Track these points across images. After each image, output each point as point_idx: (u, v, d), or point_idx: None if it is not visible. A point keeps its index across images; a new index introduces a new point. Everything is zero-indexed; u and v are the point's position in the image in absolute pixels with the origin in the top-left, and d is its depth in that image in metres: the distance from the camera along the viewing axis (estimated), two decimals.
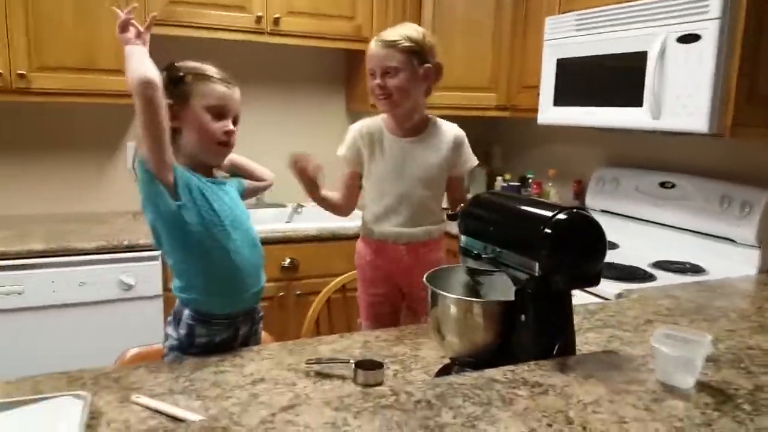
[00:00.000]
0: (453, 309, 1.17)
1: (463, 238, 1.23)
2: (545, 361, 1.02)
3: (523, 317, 1.08)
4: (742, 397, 0.93)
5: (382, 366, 1.28)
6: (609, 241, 2.51)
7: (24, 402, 1.08)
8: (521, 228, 1.09)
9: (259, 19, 2.79)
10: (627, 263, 2.23)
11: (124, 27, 1.40)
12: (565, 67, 2.52)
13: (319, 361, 1.32)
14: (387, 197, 1.76)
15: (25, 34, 2.44)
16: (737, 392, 0.95)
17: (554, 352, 1.05)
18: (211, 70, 1.43)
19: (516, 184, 3.21)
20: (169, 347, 1.43)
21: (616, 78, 2.29)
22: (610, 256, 2.34)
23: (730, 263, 2.17)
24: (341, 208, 1.84)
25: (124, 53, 1.38)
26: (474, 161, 1.85)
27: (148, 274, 2.42)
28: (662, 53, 2.08)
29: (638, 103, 2.16)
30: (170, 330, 1.44)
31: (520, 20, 2.94)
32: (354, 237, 2.62)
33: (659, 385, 0.95)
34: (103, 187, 2.97)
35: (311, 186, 1.72)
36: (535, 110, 2.66)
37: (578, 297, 2.00)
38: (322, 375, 1.28)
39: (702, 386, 0.96)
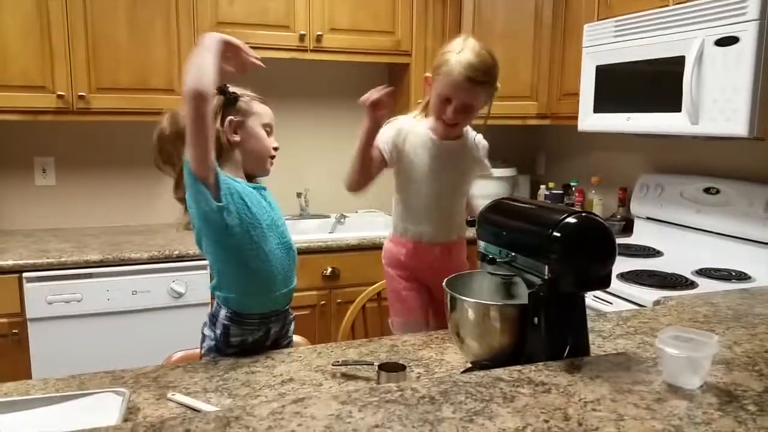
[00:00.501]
0: (470, 313, 1.20)
1: (480, 243, 1.27)
2: (554, 362, 1.04)
3: (536, 320, 1.10)
4: (749, 398, 0.93)
5: (405, 368, 1.31)
6: (653, 249, 2.52)
7: (70, 396, 1.18)
8: (532, 232, 1.12)
9: (302, 37, 2.90)
10: (670, 270, 2.20)
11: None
12: (604, 73, 2.51)
13: (345, 363, 1.37)
14: (425, 197, 1.80)
15: (85, 55, 2.61)
16: (744, 394, 0.94)
17: (565, 354, 1.06)
18: (255, 93, 1.56)
19: (559, 192, 3.19)
20: (207, 348, 1.51)
21: (655, 83, 2.27)
22: (653, 264, 2.33)
23: None
24: (365, 178, 1.80)
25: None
26: (490, 170, 1.99)
27: (196, 283, 2.54)
28: (700, 57, 2.05)
29: (677, 108, 2.14)
30: (207, 330, 1.52)
31: (558, 29, 2.94)
32: None
33: (665, 385, 0.95)
34: (156, 201, 3.13)
35: (374, 129, 1.69)
36: (576, 118, 2.65)
37: (615, 304, 2.00)
38: (347, 376, 1.33)
39: (709, 387, 0.96)
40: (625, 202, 2.90)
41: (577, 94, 2.64)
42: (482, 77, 1.66)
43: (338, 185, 3.29)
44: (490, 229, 1.25)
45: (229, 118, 1.49)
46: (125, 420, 1.10)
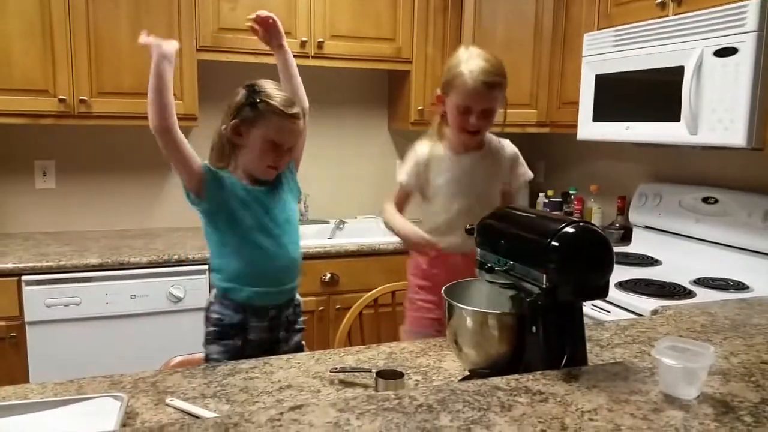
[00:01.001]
0: (468, 321, 1.21)
1: (478, 251, 1.27)
2: (552, 371, 1.04)
3: (533, 329, 1.10)
4: (745, 409, 0.93)
5: (403, 376, 1.31)
6: (651, 258, 2.53)
7: (68, 401, 1.18)
8: (530, 241, 1.12)
9: (303, 44, 2.91)
10: (668, 280, 2.20)
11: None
12: (603, 82, 2.52)
13: (343, 370, 1.38)
14: (448, 212, 1.82)
15: (87, 60, 2.62)
16: (741, 404, 0.95)
17: (563, 363, 1.07)
18: (282, 101, 1.53)
19: (558, 200, 3.20)
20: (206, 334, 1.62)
21: (654, 93, 2.28)
22: (651, 273, 2.33)
23: None
24: None
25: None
26: (530, 174, 1.96)
27: (196, 287, 2.54)
28: (699, 67, 2.06)
29: (675, 118, 2.15)
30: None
31: (558, 38, 2.96)
32: (392, 252, 2.71)
33: (662, 396, 0.95)
34: (156, 205, 3.13)
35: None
36: (575, 126, 2.66)
37: (613, 313, 2.00)
38: (345, 383, 1.33)
39: (706, 398, 0.96)
40: (623, 211, 2.90)
41: (576, 103, 2.65)
42: (497, 79, 1.71)
43: (338, 191, 3.33)
44: (489, 237, 1.26)
45: (235, 120, 1.52)
46: (123, 425, 1.11)
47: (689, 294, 2.05)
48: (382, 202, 1.92)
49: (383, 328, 2.09)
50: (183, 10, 2.71)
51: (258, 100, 1.51)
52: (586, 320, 1.17)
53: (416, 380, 1.34)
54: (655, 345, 1.00)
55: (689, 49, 2.09)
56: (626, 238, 2.84)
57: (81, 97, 2.61)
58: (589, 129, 2.60)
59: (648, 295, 2.03)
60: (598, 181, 3.07)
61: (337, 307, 2.73)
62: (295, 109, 1.54)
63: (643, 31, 2.30)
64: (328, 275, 2.74)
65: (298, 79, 1.73)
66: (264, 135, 1.52)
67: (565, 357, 1.07)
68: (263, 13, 1.68)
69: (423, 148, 1.85)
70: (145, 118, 2.71)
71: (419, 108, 3.11)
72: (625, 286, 2.11)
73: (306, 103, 1.73)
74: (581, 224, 1.08)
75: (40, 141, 2.92)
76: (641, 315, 1.88)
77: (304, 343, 1.73)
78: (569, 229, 1.06)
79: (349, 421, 0.86)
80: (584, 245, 1.07)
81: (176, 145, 1.49)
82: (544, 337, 1.08)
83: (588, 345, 1.18)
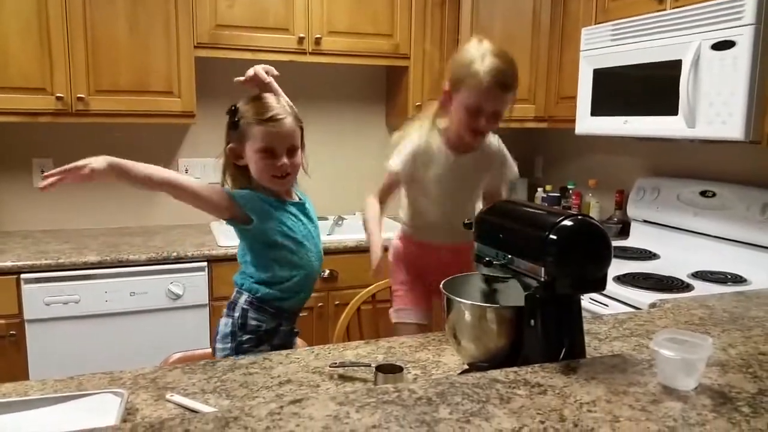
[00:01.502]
0: (467, 315, 1.21)
1: (476, 245, 1.27)
2: (550, 363, 1.04)
3: (532, 322, 1.11)
4: (743, 400, 0.93)
5: (402, 370, 1.32)
6: (649, 251, 2.53)
7: (68, 397, 1.18)
8: (528, 234, 1.13)
9: (301, 40, 2.91)
10: (666, 273, 2.21)
11: None
12: (601, 77, 2.52)
13: (342, 365, 1.38)
14: (436, 213, 1.82)
15: (85, 58, 2.62)
16: (738, 395, 0.95)
17: (561, 356, 1.07)
18: (257, 110, 1.53)
19: (556, 194, 3.21)
20: (222, 335, 1.59)
21: (652, 87, 2.28)
22: (649, 267, 2.34)
23: None
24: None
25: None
26: (516, 173, 1.92)
27: (195, 284, 2.54)
28: (696, 61, 2.07)
29: (673, 111, 2.15)
30: (223, 319, 1.61)
31: (556, 33, 2.96)
32: None
33: (660, 387, 0.96)
34: (155, 202, 3.13)
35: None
36: (573, 121, 2.66)
37: (611, 307, 2.01)
38: (344, 378, 1.33)
39: (704, 389, 0.97)
40: (621, 205, 2.91)
41: (574, 98, 2.66)
42: (512, 81, 1.65)
43: (336, 187, 3.33)
44: (487, 231, 1.26)
45: (229, 146, 1.57)
46: (124, 421, 1.11)
47: (687, 287, 2.06)
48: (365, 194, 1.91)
49: (381, 323, 2.09)
50: (180, 7, 2.70)
51: (237, 119, 1.54)
52: (584, 314, 1.17)
53: (415, 374, 1.35)
54: (654, 337, 1.00)
55: (687, 43, 2.10)
56: (624, 232, 2.85)
57: (78, 95, 2.61)
58: (587, 123, 2.60)
59: (646, 288, 2.03)
60: (596, 176, 3.07)
61: (336, 303, 2.74)
62: (270, 113, 1.52)
63: (641, 25, 2.30)
64: (327, 271, 2.74)
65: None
66: (254, 147, 1.53)
67: (564, 350, 1.07)
68: (261, 73, 1.60)
69: (421, 138, 1.77)
70: (143, 115, 2.74)
71: (417, 104, 3.10)
72: (624, 279, 2.12)
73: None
74: (579, 217, 1.08)
75: (37, 139, 2.92)
76: (639, 308, 1.89)
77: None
78: (567, 223, 1.06)
79: (349, 414, 0.86)
80: (582, 238, 1.07)
81: (190, 197, 1.55)
82: (543, 330, 1.09)
83: (586, 338, 1.19)
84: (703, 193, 2.45)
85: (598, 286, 1.09)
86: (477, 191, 1.87)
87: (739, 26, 1.94)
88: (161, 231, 2.98)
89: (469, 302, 1.22)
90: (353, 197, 3.41)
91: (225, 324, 1.60)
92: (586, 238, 1.07)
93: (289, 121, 1.54)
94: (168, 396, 1.23)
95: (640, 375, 1.01)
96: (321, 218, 3.16)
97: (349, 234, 2.92)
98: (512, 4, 3.05)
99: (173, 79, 2.74)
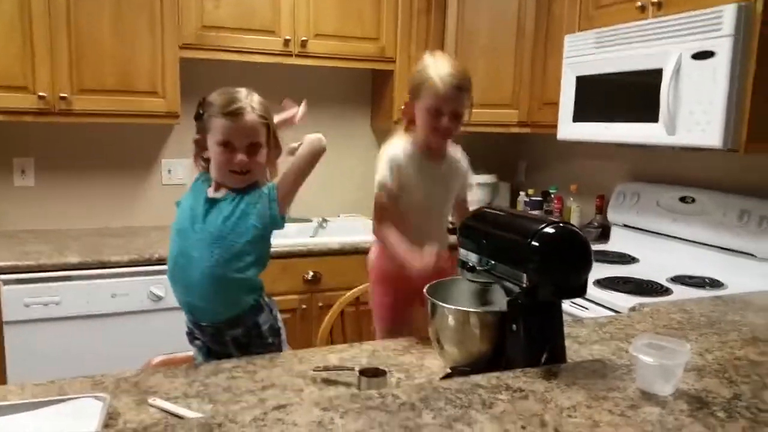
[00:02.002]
0: (450, 319, 1.22)
1: (461, 250, 1.29)
2: (532, 368, 1.06)
3: (514, 327, 1.12)
4: (718, 404, 0.96)
5: (386, 374, 1.33)
6: (629, 256, 2.57)
7: (49, 402, 1.17)
8: (511, 241, 1.14)
9: (287, 42, 2.91)
10: (645, 278, 2.24)
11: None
12: (584, 83, 2.55)
13: (326, 369, 1.39)
14: (415, 220, 1.82)
15: (68, 56, 2.59)
16: (714, 400, 0.98)
17: (542, 361, 1.09)
18: (222, 102, 1.51)
19: (538, 199, 3.24)
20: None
21: (633, 94, 2.32)
22: (629, 271, 2.37)
23: (749, 278, 2.16)
24: None
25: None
26: (473, 182, 2.00)
27: None
28: (677, 70, 2.10)
29: (654, 119, 2.18)
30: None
31: (540, 40, 2.98)
32: None
33: (639, 392, 0.98)
34: (137, 203, 3.11)
35: None
36: (556, 126, 2.69)
37: (591, 310, 2.03)
38: (328, 382, 1.34)
39: (681, 394, 0.99)
40: (602, 210, 2.94)
41: (557, 104, 2.68)
42: (466, 83, 1.75)
43: (321, 190, 3.33)
44: (471, 237, 1.27)
45: (195, 137, 1.58)
46: (106, 426, 1.10)
47: (666, 291, 2.09)
48: (364, 200, 1.93)
49: (365, 326, 2.10)
50: (165, 7, 2.69)
51: (201, 112, 1.55)
52: (565, 317, 1.19)
53: (399, 378, 1.36)
54: (633, 342, 1.02)
55: (668, 52, 2.13)
56: (604, 236, 2.88)
57: (62, 94, 2.58)
58: (569, 129, 2.63)
59: (626, 292, 2.06)
60: (577, 181, 3.10)
61: (320, 305, 2.73)
62: (233, 107, 1.50)
63: (624, 33, 2.33)
64: (311, 273, 2.74)
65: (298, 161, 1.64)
66: (213, 139, 1.52)
67: (545, 355, 1.09)
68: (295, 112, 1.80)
69: (401, 151, 1.82)
70: (127, 115, 2.72)
71: (402, 107, 3.11)
72: (604, 283, 2.15)
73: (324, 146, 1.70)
74: (561, 225, 1.10)
75: (18, 138, 2.88)
76: (619, 312, 1.91)
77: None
78: (549, 230, 1.08)
79: (333, 420, 0.87)
80: (563, 245, 1.09)
81: None
82: (525, 336, 1.10)
83: (567, 342, 1.20)
84: (683, 199, 2.48)
85: (579, 292, 1.11)
86: (451, 201, 1.92)
87: (719, 37, 1.97)
88: (143, 232, 2.96)
89: (453, 307, 1.23)
90: (337, 200, 3.42)
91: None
92: (567, 245, 1.09)
93: (251, 116, 1.51)
94: (150, 400, 1.22)
95: (620, 380, 1.03)
96: (305, 220, 3.20)
97: (333, 236, 2.93)
98: (497, 11, 3.08)
99: (158, 80, 2.73)
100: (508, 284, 1.15)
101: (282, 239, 2.63)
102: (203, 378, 1.34)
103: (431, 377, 1.35)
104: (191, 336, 1.69)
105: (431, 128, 1.77)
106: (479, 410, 0.91)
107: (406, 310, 1.90)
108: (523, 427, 0.86)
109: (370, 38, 3.08)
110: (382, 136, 3.45)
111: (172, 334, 2.48)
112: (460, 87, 1.73)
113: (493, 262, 1.18)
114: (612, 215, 2.83)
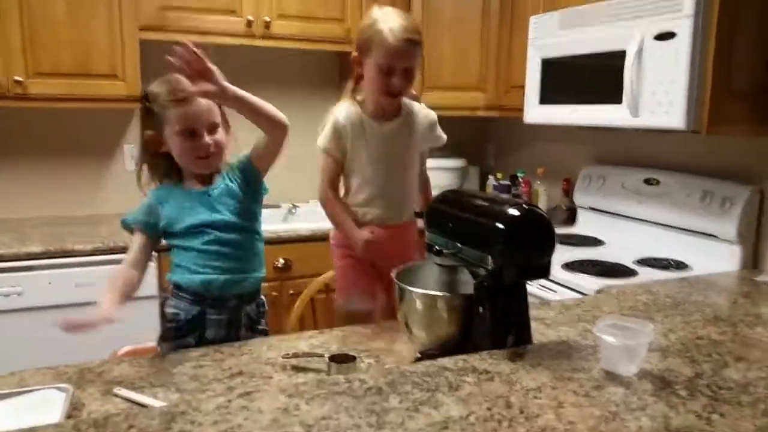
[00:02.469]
0: (418, 303, 1.22)
1: (427, 233, 1.29)
2: (498, 350, 1.07)
3: (480, 309, 1.13)
4: (681, 383, 0.98)
5: (355, 360, 1.32)
6: (595, 238, 2.60)
7: (10, 394, 1.14)
8: (476, 224, 1.14)
9: (249, 23, 2.85)
10: (611, 260, 2.27)
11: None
12: (549, 66, 2.55)
13: (295, 356, 1.38)
14: (372, 183, 1.77)
15: (20, 38, 2.50)
16: (677, 379, 0.99)
17: (509, 343, 1.09)
18: (167, 92, 1.47)
19: (506, 183, 3.25)
20: None
21: (598, 76, 2.33)
22: (596, 253, 2.40)
23: (712, 259, 2.20)
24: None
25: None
26: (444, 139, 1.88)
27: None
28: (640, 51, 2.11)
29: (618, 101, 2.19)
30: None
31: (506, 21, 2.98)
32: None
33: (603, 373, 0.99)
34: (100, 190, 3.04)
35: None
36: (523, 110, 2.70)
37: (559, 293, 2.05)
38: (298, 369, 1.33)
39: (644, 374, 1.00)
40: (569, 193, 2.97)
41: (524, 87, 2.69)
42: (417, 36, 1.66)
43: (289, 174, 3.29)
44: (437, 220, 1.27)
45: (146, 133, 1.51)
46: (68, 417, 1.08)
47: (632, 273, 2.12)
48: (320, 186, 1.88)
49: (336, 312, 2.09)
50: None
51: (149, 107, 1.49)
52: (532, 300, 1.20)
53: (369, 363, 1.35)
54: (597, 323, 1.03)
55: (631, 34, 2.14)
56: (571, 219, 2.91)
57: (16, 78, 2.49)
58: (535, 112, 2.64)
59: (593, 275, 2.08)
60: (544, 164, 3.13)
61: (291, 292, 2.71)
62: (184, 93, 1.43)
63: (587, 14, 2.34)
64: (282, 260, 2.72)
65: (266, 106, 1.50)
66: (173, 130, 1.47)
67: (511, 337, 1.09)
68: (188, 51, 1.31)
69: (344, 113, 1.75)
70: (86, 99, 2.64)
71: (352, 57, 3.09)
72: (571, 266, 2.17)
73: (285, 120, 1.58)
74: (525, 206, 1.10)
75: None
76: (586, 294, 1.93)
77: None
78: (513, 212, 1.08)
79: (299, 406, 0.86)
80: (527, 227, 1.09)
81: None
82: (491, 318, 1.11)
83: (533, 324, 1.21)
84: (647, 181, 2.52)
85: (544, 272, 1.11)
86: (411, 160, 1.82)
87: (680, 17, 1.99)
88: (107, 220, 2.89)
89: (420, 291, 1.23)
90: (306, 185, 3.36)
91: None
92: (531, 226, 1.09)
93: (196, 102, 1.46)
94: (115, 390, 1.20)
95: (585, 361, 1.05)
96: (273, 206, 3.17)
97: (303, 222, 2.90)
98: None
99: (117, 62, 2.66)
100: (473, 267, 1.15)
101: None
102: (170, 367, 1.32)
103: (401, 362, 1.35)
104: (180, 331, 1.56)
105: (382, 89, 1.68)
106: (446, 393, 0.91)
107: (365, 277, 1.84)
108: (489, 409, 0.86)
109: (335, 19, 3.04)
110: None
111: (139, 324, 2.46)
112: (413, 40, 1.64)
113: (459, 245, 1.18)
114: (578, 198, 2.85)
